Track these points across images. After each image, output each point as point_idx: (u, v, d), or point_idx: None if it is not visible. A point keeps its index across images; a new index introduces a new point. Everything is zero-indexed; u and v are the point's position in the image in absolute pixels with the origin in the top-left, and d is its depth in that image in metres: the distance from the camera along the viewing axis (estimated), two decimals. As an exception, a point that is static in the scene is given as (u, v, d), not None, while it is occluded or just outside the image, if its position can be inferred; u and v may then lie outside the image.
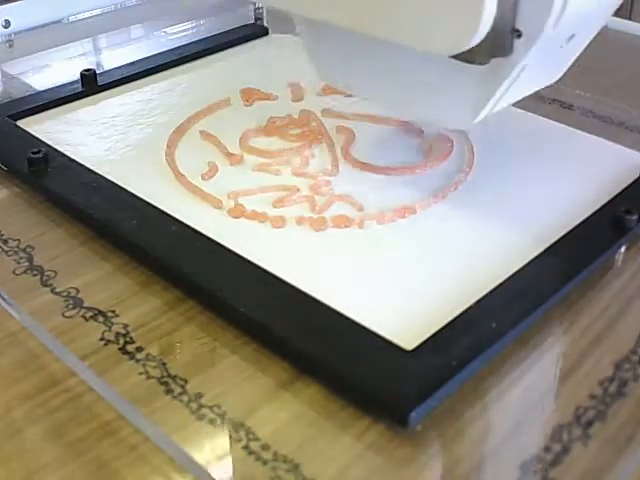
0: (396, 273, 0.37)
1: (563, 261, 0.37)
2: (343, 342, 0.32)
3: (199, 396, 0.31)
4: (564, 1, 0.33)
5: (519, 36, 0.35)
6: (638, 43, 0.64)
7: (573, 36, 0.38)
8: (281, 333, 0.33)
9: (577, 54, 0.42)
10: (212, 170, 0.45)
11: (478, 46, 0.34)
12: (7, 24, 0.64)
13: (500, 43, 0.35)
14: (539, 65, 0.38)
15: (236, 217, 0.41)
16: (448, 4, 0.33)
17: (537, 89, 0.42)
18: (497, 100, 0.38)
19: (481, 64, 0.35)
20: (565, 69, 0.43)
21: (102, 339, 0.34)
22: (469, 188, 0.43)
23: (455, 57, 0.35)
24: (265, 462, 0.28)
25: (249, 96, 0.52)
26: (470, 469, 0.28)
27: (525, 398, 0.31)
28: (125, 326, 0.35)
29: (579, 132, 0.49)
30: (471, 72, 0.37)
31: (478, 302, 0.34)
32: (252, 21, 0.65)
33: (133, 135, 0.49)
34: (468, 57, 0.35)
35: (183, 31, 0.65)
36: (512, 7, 0.34)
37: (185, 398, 0.31)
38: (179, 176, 0.44)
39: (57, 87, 0.54)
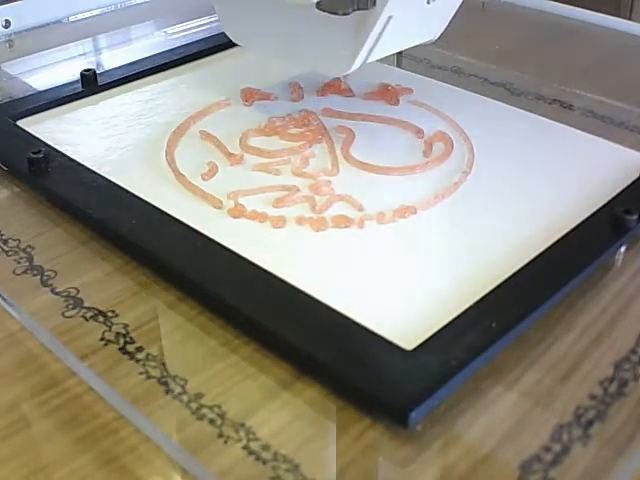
0: (396, 273, 0.37)
1: (563, 261, 0.37)
2: (343, 342, 0.32)
3: (199, 396, 0.31)
4: None
5: None
6: (638, 43, 0.64)
7: None
8: (281, 333, 0.33)
9: (450, 14, 0.48)
10: (212, 170, 0.45)
11: None
12: (7, 24, 0.64)
13: None
14: (407, 20, 0.44)
15: (236, 217, 0.41)
16: None
17: (414, 44, 0.49)
18: (369, 50, 0.44)
19: (345, 14, 0.41)
20: (442, 28, 0.49)
21: (102, 339, 0.34)
22: (469, 188, 0.43)
23: (321, 9, 0.41)
24: (265, 462, 0.28)
25: (249, 96, 0.52)
26: (470, 469, 0.28)
27: (525, 398, 0.31)
28: (125, 326, 0.35)
29: (579, 132, 0.49)
30: (343, 24, 0.42)
31: (478, 302, 0.34)
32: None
33: (133, 135, 0.49)
34: (331, 8, 0.41)
35: (183, 31, 0.66)
36: None
37: (185, 398, 0.31)
38: (179, 176, 0.44)
39: (57, 87, 0.54)
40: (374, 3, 0.41)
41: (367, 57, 0.44)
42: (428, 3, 0.45)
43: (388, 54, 0.47)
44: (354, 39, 0.43)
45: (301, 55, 0.47)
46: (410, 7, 0.44)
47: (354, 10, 0.41)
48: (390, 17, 0.42)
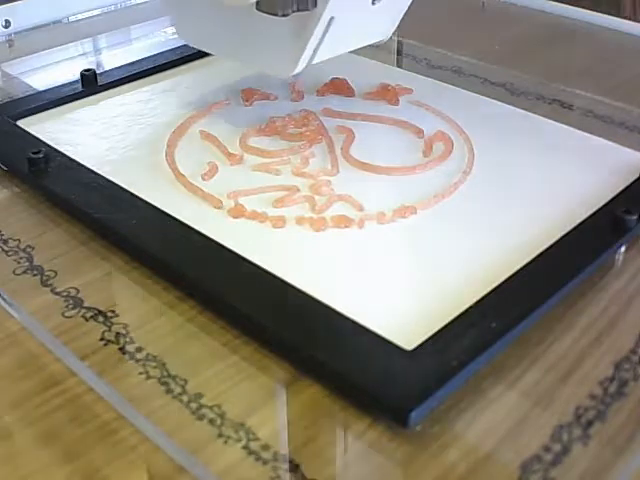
0: (396, 273, 0.37)
1: (563, 261, 0.37)
2: (343, 342, 0.32)
3: (199, 396, 0.31)
4: None
5: None
6: (638, 43, 0.64)
7: None
8: (281, 333, 0.33)
9: (401, 13, 0.48)
10: (212, 170, 0.45)
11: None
12: (7, 24, 0.64)
13: None
14: (352, 21, 0.44)
15: (236, 217, 0.41)
16: None
17: (364, 45, 0.49)
18: (314, 51, 0.44)
19: (284, 16, 0.41)
20: (392, 27, 0.49)
21: (102, 339, 0.34)
22: (469, 188, 0.43)
23: (260, 10, 0.41)
24: (265, 462, 0.28)
25: (249, 96, 0.52)
26: (470, 469, 0.28)
27: (525, 398, 0.31)
28: (125, 326, 0.35)
29: (579, 132, 0.49)
30: (286, 25, 0.42)
31: (478, 302, 0.34)
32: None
33: (133, 135, 0.49)
34: (270, 9, 0.41)
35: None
36: None
37: (185, 398, 0.31)
38: (179, 176, 0.44)
39: (57, 87, 0.54)
40: (315, 4, 0.41)
41: (312, 58, 0.44)
42: (373, 4, 0.45)
43: (335, 55, 0.46)
44: (297, 40, 0.43)
45: (248, 56, 0.47)
46: (353, 8, 0.44)
47: (294, 11, 0.41)
48: (332, 18, 0.42)
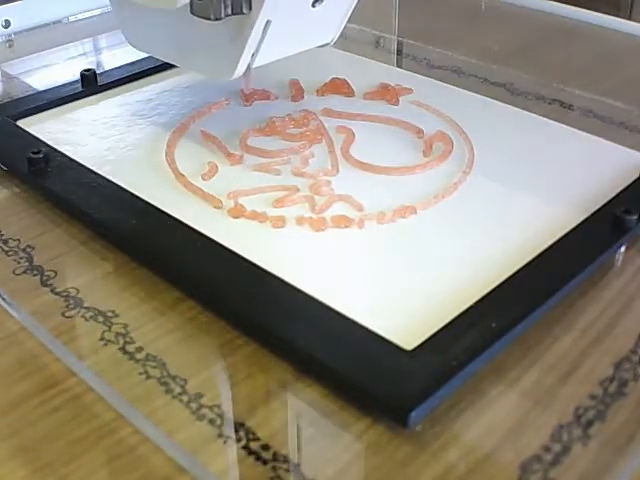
0: (396, 273, 0.37)
1: (563, 261, 0.37)
2: (343, 342, 0.32)
3: (199, 396, 0.31)
4: None
5: None
6: (638, 43, 0.64)
7: None
8: (281, 333, 0.33)
9: (345, 16, 0.48)
10: (212, 170, 0.45)
11: (211, 3, 0.40)
12: (7, 24, 0.64)
13: (236, 1, 0.40)
14: (291, 24, 0.44)
15: (236, 217, 0.41)
16: None
17: (307, 48, 0.48)
18: (252, 55, 0.44)
19: (217, 20, 0.40)
20: (337, 31, 0.49)
21: (102, 339, 0.34)
22: (469, 188, 0.43)
23: (194, 14, 0.40)
24: (265, 462, 0.28)
25: (249, 96, 0.52)
26: (470, 469, 0.28)
27: (525, 398, 0.31)
28: (125, 326, 0.35)
29: (579, 132, 0.49)
30: (223, 29, 0.42)
31: (478, 302, 0.34)
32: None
33: (133, 135, 0.49)
34: (203, 13, 0.40)
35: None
36: None
37: (185, 398, 0.31)
38: (179, 176, 0.44)
39: (57, 87, 0.54)
40: (250, 8, 0.41)
41: (251, 62, 0.44)
42: (313, 6, 0.44)
43: (276, 58, 0.46)
44: (234, 44, 0.43)
45: (188, 61, 0.47)
46: (292, 11, 0.43)
47: (228, 15, 0.40)
48: (269, 21, 0.42)
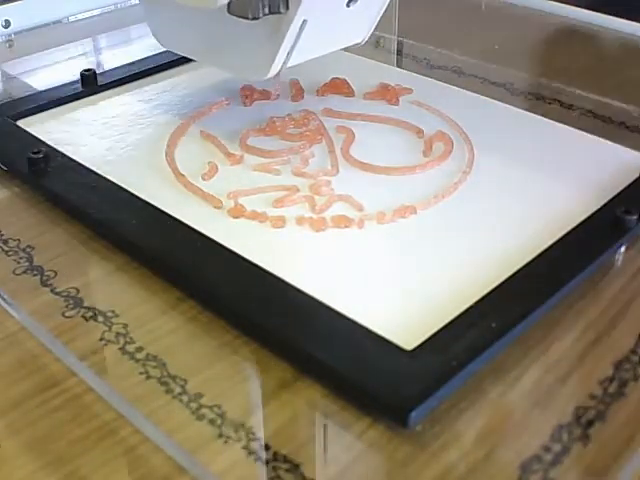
0: (396, 273, 0.37)
1: (563, 261, 0.37)
2: (343, 342, 0.32)
3: (199, 396, 0.31)
4: None
5: None
6: (638, 43, 0.64)
7: None
8: (281, 333, 0.33)
9: (378, 15, 0.48)
10: (212, 170, 0.45)
11: (249, 2, 0.40)
12: (7, 24, 0.64)
13: (273, 0, 0.40)
14: (326, 23, 0.44)
15: (236, 217, 0.41)
16: None
17: (339, 48, 0.48)
18: (287, 54, 0.43)
19: (255, 19, 0.40)
20: (369, 30, 0.49)
21: (102, 339, 0.34)
22: (469, 188, 0.43)
23: (232, 13, 0.41)
24: (265, 462, 0.28)
25: (249, 96, 0.52)
26: (470, 469, 0.28)
27: (525, 398, 0.31)
28: (125, 326, 0.35)
29: (579, 132, 0.49)
30: (258, 28, 0.42)
31: (478, 302, 0.34)
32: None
33: (133, 135, 0.49)
34: (241, 12, 0.40)
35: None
36: None
37: (185, 398, 0.31)
38: (179, 176, 0.44)
39: (57, 87, 0.54)
40: (287, 7, 0.41)
41: (286, 62, 0.44)
42: (348, 6, 0.44)
43: (310, 58, 0.46)
44: (270, 44, 0.43)
45: (222, 60, 0.47)
46: (327, 11, 0.44)
47: (265, 14, 0.40)
48: (305, 21, 0.42)
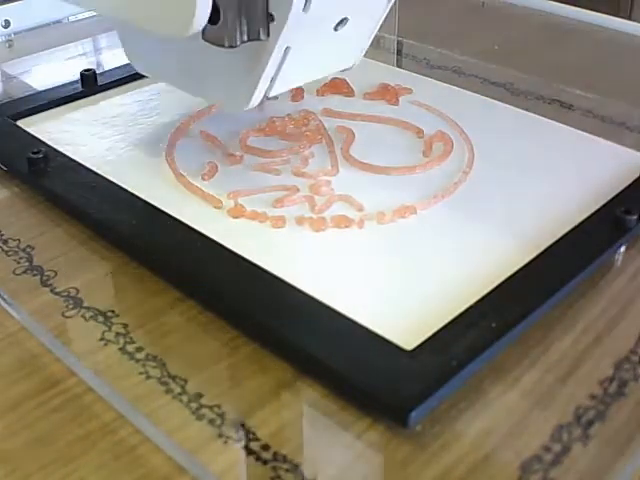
0: (396, 273, 0.37)
1: (563, 261, 0.37)
2: (343, 342, 0.32)
3: (199, 396, 0.31)
4: None
5: (273, 20, 0.36)
6: (638, 43, 0.64)
7: (346, 20, 0.40)
8: (281, 333, 0.33)
9: (369, 38, 0.44)
10: (212, 170, 0.45)
11: (225, 29, 0.36)
12: (7, 24, 0.64)
13: (253, 26, 0.36)
14: (310, 49, 0.40)
15: (236, 217, 0.41)
16: None
17: (328, 74, 0.45)
18: (270, 83, 0.40)
19: (231, 47, 0.36)
20: (360, 53, 0.45)
21: (102, 339, 0.34)
22: (469, 188, 0.43)
23: (207, 40, 0.37)
24: (265, 462, 0.28)
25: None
26: (470, 469, 0.28)
27: (525, 398, 0.31)
28: (125, 326, 0.35)
29: (579, 132, 0.49)
30: (238, 56, 0.38)
31: (478, 302, 0.34)
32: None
33: (133, 135, 0.49)
34: (217, 40, 0.36)
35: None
36: None
37: (185, 398, 0.31)
38: (179, 176, 0.44)
39: (57, 87, 0.54)
40: (267, 33, 0.37)
41: (269, 91, 0.40)
42: (336, 30, 0.40)
43: (296, 86, 0.43)
44: (249, 73, 0.39)
45: (200, 89, 0.44)
46: (313, 36, 0.39)
47: (244, 42, 0.36)
48: (288, 48, 0.38)
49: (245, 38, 0.36)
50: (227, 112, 0.48)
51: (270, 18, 0.36)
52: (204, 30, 0.36)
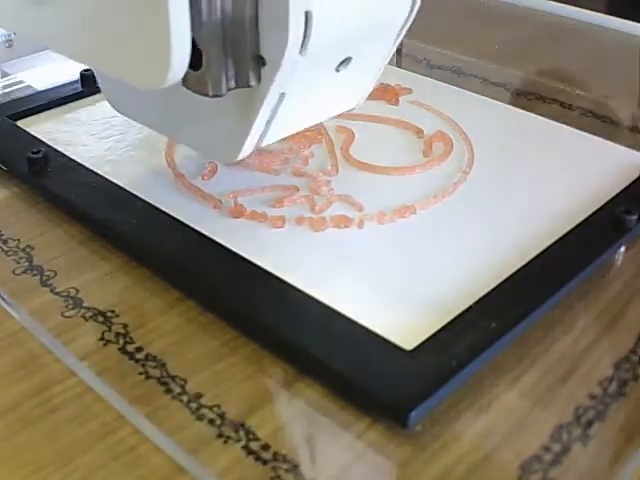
0: (396, 273, 0.37)
1: (563, 261, 0.37)
2: (343, 342, 0.32)
3: (199, 396, 0.31)
4: (305, 26, 0.31)
5: (264, 64, 0.32)
6: (638, 43, 0.64)
7: (349, 60, 0.36)
8: (281, 333, 0.33)
9: (376, 74, 0.40)
10: (212, 170, 0.45)
11: (209, 76, 0.32)
12: (7, 24, 0.64)
13: (241, 72, 0.32)
14: (309, 92, 0.36)
15: (236, 217, 0.41)
16: (144, 43, 0.31)
17: (327, 118, 0.40)
18: (263, 131, 0.36)
19: (216, 96, 0.32)
20: (365, 93, 0.41)
21: (102, 339, 0.34)
22: (469, 188, 0.43)
23: (189, 89, 0.33)
24: (265, 462, 0.28)
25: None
26: (470, 469, 0.28)
27: (525, 398, 0.31)
28: (125, 326, 0.35)
29: (579, 132, 0.49)
30: (225, 103, 0.34)
31: (478, 302, 0.34)
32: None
33: (133, 135, 0.49)
34: (199, 88, 0.32)
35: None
36: (252, 34, 0.31)
37: (185, 398, 0.31)
38: (179, 176, 0.44)
39: (57, 87, 0.54)
40: (259, 79, 0.32)
41: (260, 140, 0.36)
42: (337, 71, 0.36)
43: (290, 134, 0.39)
44: (239, 122, 0.35)
45: (185, 137, 0.40)
46: (310, 80, 0.35)
47: (230, 89, 0.32)
48: (283, 94, 0.34)
49: (232, 85, 0.32)
50: (220, 162, 0.44)
51: (261, 62, 0.32)
52: (185, 76, 0.32)
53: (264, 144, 0.37)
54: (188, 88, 0.33)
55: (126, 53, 0.32)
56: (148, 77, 0.32)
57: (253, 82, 0.33)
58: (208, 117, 0.37)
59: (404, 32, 0.38)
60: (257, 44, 0.32)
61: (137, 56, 0.32)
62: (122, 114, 0.44)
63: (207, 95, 0.32)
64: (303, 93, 0.35)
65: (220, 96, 0.32)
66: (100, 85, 0.44)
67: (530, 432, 0.30)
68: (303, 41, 0.32)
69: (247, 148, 0.36)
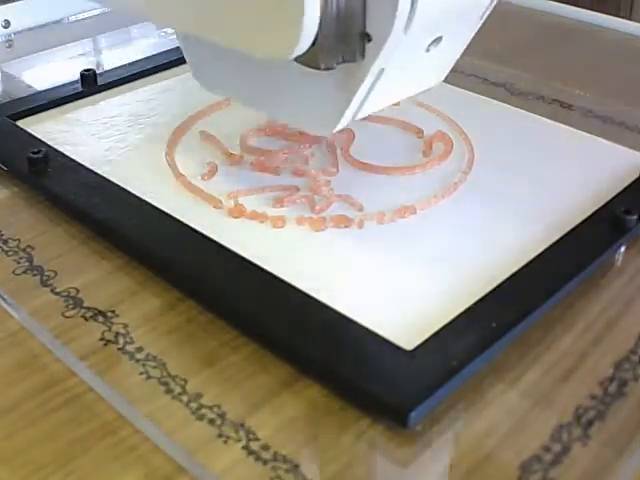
0: (396, 273, 0.37)
1: (563, 261, 0.37)
2: (343, 342, 0.32)
3: (199, 396, 0.31)
4: (411, 5, 0.32)
5: (369, 40, 0.34)
6: (638, 43, 0.64)
7: (439, 39, 0.37)
8: (281, 333, 0.33)
9: (457, 55, 0.42)
10: (212, 170, 0.45)
11: (321, 51, 0.33)
12: (7, 24, 0.64)
13: (348, 47, 0.34)
14: (404, 69, 0.37)
15: (236, 217, 0.41)
16: (272, 12, 0.32)
17: (413, 94, 0.42)
18: (359, 106, 0.37)
19: (327, 69, 0.34)
20: (446, 71, 0.42)
21: (102, 339, 0.34)
22: (469, 188, 0.43)
23: (300, 62, 0.34)
24: (265, 462, 0.28)
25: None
26: (470, 469, 0.28)
27: (525, 398, 0.31)
28: (125, 326, 0.35)
29: (579, 132, 0.49)
30: (327, 77, 0.35)
31: (478, 302, 0.34)
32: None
33: (133, 135, 0.49)
34: (312, 62, 0.33)
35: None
36: (361, 11, 0.33)
37: (185, 398, 0.31)
38: (179, 176, 0.44)
39: (57, 87, 0.54)
40: (363, 55, 0.34)
41: (356, 114, 0.38)
42: (428, 51, 0.38)
43: (381, 108, 0.40)
44: (339, 95, 0.37)
45: (280, 110, 0.41)
46: (406, 57, 0.37)
47: (339, 63, 0.34)
48: (382, 69, 0.36)
49: (340, 60, 0.34)
50: (313, 133, 0.45)
51: (367, 38, 0.34)
52: None
53: (358, 117, 0.38)
54: (300, 62, 0.34)
55: (251, 22, 0.33)
56: (275, 48, 0.33)
57: (358, 57, 0.34)
58: (306, 91, 0.38)
59: (488, 13, 0.39)
60: (364, 21, 0.33)
61: (262, 27, 0.33)
62: (213, 92, 0.45)
63: (318, 68, 0.34)
64: (398, 69, 0.37)
65: (331, 69, 0.34)
66: (189, 64, 0.45)
67: (530, 432, 0.30)
68: (408, 20, 0.33)
69: (344, 121, 0.38)
